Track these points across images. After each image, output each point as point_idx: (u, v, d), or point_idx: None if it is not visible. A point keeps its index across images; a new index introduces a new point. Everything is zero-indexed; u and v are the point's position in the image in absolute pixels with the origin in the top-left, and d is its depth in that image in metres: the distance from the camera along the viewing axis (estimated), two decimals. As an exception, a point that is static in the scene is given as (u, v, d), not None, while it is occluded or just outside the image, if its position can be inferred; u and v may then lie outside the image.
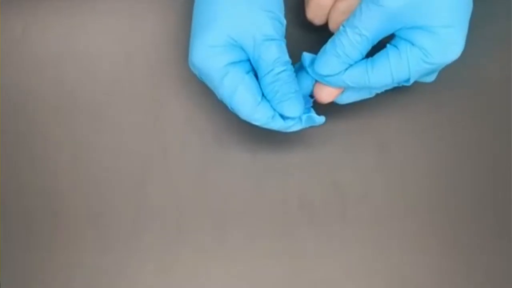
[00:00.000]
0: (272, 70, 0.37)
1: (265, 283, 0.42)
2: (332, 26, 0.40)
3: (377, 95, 0.40)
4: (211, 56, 0.37)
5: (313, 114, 0.39)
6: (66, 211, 0.42)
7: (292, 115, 0.38)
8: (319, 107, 0.42)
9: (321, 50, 0.38)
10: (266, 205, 0.42)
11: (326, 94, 0.39)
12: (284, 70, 0.38)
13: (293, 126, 0.39)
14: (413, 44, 0.36)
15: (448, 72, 0.42)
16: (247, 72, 0.38)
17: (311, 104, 0.40)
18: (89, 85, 0.44)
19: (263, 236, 0.42)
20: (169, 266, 0.42)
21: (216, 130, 0.43)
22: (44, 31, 0.44)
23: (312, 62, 0.39)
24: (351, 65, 0.38)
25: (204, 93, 0.43)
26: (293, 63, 0.39)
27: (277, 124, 0.38)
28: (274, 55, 0.37)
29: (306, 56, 0.39)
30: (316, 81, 0.39)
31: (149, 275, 0.42)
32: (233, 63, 0.38)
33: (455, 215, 0.42)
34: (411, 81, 0.38)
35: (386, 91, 0.40)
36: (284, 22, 0.39)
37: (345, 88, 0.40)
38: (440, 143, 0.43)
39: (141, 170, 0.43)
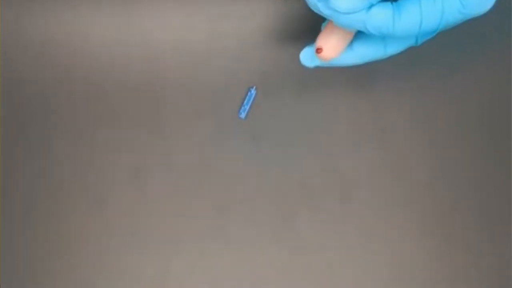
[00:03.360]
0: None
1: (266, 268, 0.42)
2: None
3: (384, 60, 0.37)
4: None
5: None
6: (67, 202, 0.42)
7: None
8: (320, 92, 0.42)
9: None
10: (267, 190, 0.43)
11: (331, 47, 0.35)
12: None
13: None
14: None
15: (449, 59, 0.42)
16: None
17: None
18: (86, 73, 0.43)
19: (264, 221, 0.42)
20: (170, 252, 0.42)
21: (218, 116, 0.43)
22: (37, 18, 0.44)
23: None
24: (373, 5, 0.32)
25: (206, 79, 0.43)
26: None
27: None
28: None
29: None
30: (322, 29, 0.35)
31: (150, 262, 0.42)
32: None
33: (455, 199, 0.43)
34: (434, 33, 0.34)
35: (400, 52, 0.37)
36: None
37: (352, 44, 0.36)
38: (441, 127, 0.43)
39: (142, 157, 0.43)
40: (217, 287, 0.42)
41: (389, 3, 0.32)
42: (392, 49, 0.36)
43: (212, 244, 0.42)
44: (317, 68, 0.39)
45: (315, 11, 0.33)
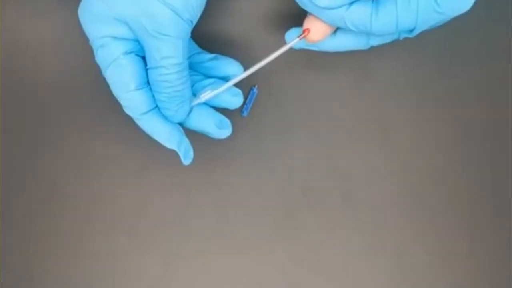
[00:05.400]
0: (158, 68, 0.33)
1: (267, 267, 0.42)
2: None
3: (372, 48, 0.38)
4: (92, 20, 0.34)
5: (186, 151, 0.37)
6: (68, 201, 0.42)
7: (172, 120, 0.36)
8: (321, 91, 0.42)
9: None
10: (269, 188, 0.43)
11: (317, 30, 0.35)
12: (171, 73, 0.34)
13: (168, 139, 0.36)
14: None
15: (449, 59, 0.42)
16: (128, 53, 0.34)
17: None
18: (86, 73, 0.43)
19: (265, 218, 0.42)
20: (173, 252, 0.42)
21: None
22: (37, 18, 0.44)
23: None
24: (354, 2, 0.33)
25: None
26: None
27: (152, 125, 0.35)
28: (162, 53, 0.33)
29: None
30: (307, 14, 0.36)
31: (152, 262, 0.42)
32: (114, 38, 0.34)
33: (457, 198, 0.43)
34: (415, 32, 0.35)
35: (383, 44, 0.37)
36: (194, 21, 0.34)
37: (336, 31, 0.36)
38: (442, 127, 0.43)
39: (144, 156, 0.43)
40: (217, 287, 0.42)
41: (369, 1, 0.33)
42: (375, 41, 0.37)
43: (213, 242, 0.42)
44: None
45: (300, 4, 0.35)
